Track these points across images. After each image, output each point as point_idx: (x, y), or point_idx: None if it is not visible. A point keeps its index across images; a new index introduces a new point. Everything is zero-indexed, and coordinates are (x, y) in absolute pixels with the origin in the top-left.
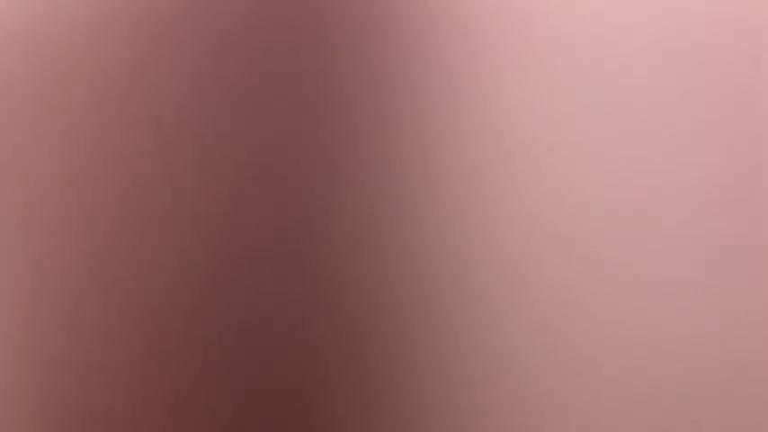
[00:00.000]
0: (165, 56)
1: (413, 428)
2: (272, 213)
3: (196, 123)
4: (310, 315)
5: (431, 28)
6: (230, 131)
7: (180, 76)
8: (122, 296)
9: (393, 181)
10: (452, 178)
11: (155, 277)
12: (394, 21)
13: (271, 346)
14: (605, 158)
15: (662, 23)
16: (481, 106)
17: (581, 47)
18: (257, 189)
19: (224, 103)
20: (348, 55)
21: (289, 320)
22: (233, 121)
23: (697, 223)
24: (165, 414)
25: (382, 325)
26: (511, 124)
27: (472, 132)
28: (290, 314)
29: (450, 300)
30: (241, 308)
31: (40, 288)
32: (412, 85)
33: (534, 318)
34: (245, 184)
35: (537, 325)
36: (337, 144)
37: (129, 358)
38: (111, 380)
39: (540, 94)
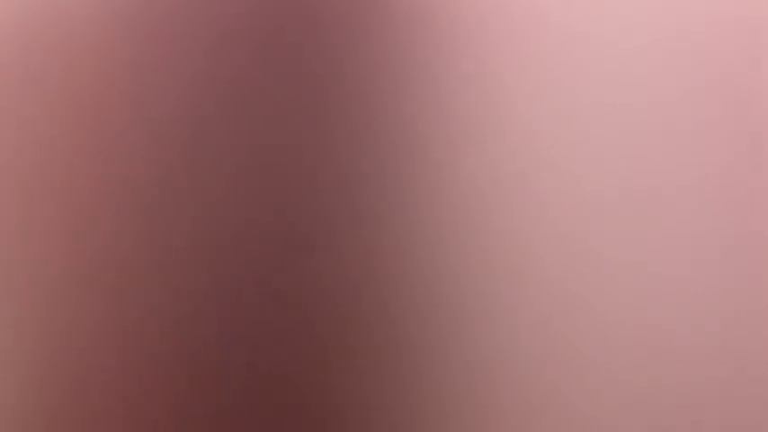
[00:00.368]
0: (164, 55)
1: (413, 428)
2: (272, 213)
3: (197, 123)
4: (311, 315)
5: (431, 27)
6: (231, 131)
7: (180, 76)
8: (122, 296)
9: (393, 180)
10: (453, 178)
11: (154, 277)
12: (394, 21)
13: (271, 346)
14: (606, 158)
15: (662, 23)
16: (483, 106)
17: (581, 47)
18: (258, 189)
19: (224, 104)
20: (349, 54)
21: (289, 321)
22: (233, 121)
23: (697, 223)
24: (164, 414)
25: (383, 325)
26: (512, 124)
27: (473, 132)
28: (290, 314)
29: (450, 299)
30: (241, 308)
31: (39, 288)
32: (413, 84)
33: (535, 317)
34: (246, 185)
35: (537, 324)
36: (338, 144)
37: (129, 358)
38: (111, 380)
39: (541, 94)
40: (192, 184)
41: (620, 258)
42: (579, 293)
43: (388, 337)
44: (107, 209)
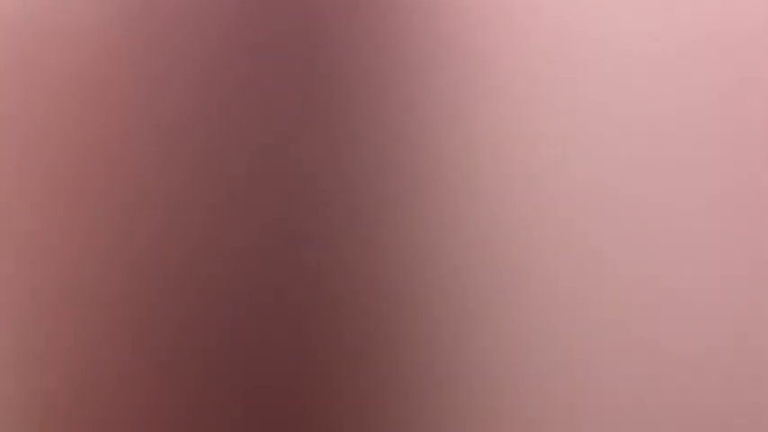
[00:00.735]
0: (167, 55)
1: (413, 428)
2: (274, 213)
3: (198, 123)
4: (312, 316)
5: (433, 26)
6: (231, 131)
7: (181, 76)
8: (123, 296)
9: (394, 179)
10: (453, 178)
11: (156, 277)
12: (395, 19)
13: (272, 347)
14: (609, 157)
15: (663, 23)
16: (485, 105)
17: (585, 46)
18: (259, 188)
19: (225, 104)
20: (350, 53)
21: (290, 321)
22: (234, 121)
23: (698, 223)
24: (166, 415)
25: (384, 325)
26: (513, 123)
27: (473, 132)
28: (291, 315)
29: (451, 299)
30: (242, 309)
31: (39, 288)
32: (414, 83)
33: (536, 317)
34: (247, 184)
35: (538, 324)
36: (339, 143)
37: (131, 359)
38: (114, 381)
39: (543, 94)
40: (194, 183)
41: (623, 257)
42: (581, 293)
43: (388, 338)
44: (107, 209)
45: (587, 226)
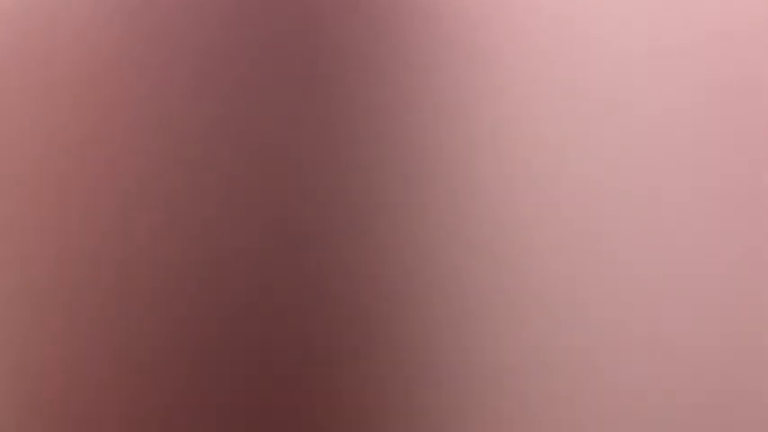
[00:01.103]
0: (166, 54)
1: (414, 428)
2: (273, 214)
3: (197, 123)
4: (312, 316)
5: (434, 24)
6: (231, 131)
7: (181, 75)
8: (121, 296)
9: (394, 179)
10: (454, 177)
11: (154, 277)
12: (395, 20)
13: (271, 347)
14: (610, 156)
15: (662, 23)
16: (485, 104)
17: (586, 45)
18: (258, 188)
19: (225, 103)
20: (350, 54)
21: (290, 321)
22: (234, 120)
23: (698, 222)
24: (165, 415)
25: (384, 325)
26: (515, 123)
27: (474, 131)
28: (291, 315)
29: (452, 299)
30: (241, 309)
31: (39, 288)
32: (415, 82)
33: (536, 317)
34: (246, 184)
35: (539, 324)
36: (339, 142)
37: (129, 359)
38: (111, 380)
39: (544, 93)
40: (193, 183)
41: (623, 257)
42: (581, 293)
43: (388, 338)
44: (107, 209)
45: (587, 226)
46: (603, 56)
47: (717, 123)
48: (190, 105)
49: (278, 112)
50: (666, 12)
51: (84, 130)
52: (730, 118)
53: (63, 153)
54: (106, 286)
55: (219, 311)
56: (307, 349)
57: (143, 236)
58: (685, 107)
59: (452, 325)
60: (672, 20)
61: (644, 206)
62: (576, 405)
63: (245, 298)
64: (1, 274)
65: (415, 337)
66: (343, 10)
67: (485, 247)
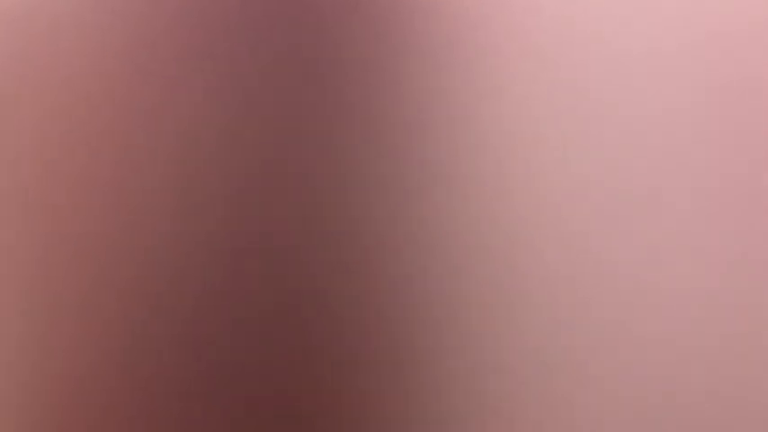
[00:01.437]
0: (169, 55)
1: (413, 428)
2: (273, 214)
3: (198, 122)
4: (312, 316)
5: (434, 24)
6: (231, 130)
7: (182, 76)
8: (124, 296)
9: (394, 179)
10: (454, 177)
11: (157, 277)
12: (396, 20)
13: (272, 347)
14: (609, 156)
15: (662, 23)
16: (485, 104)
17: (586, 45)
18: (259, 189)
19: (225, 103)
20: (350, 54)
21: (290, 321)
22: (235, 120)
23: (698, 222)
24: (166, 413)
25: (384, 325)
26: (514, 123)
27: (474, 130)
28: (291, 315)
29: (452, 300)
30: (242, 309)
31: (39, 289)
32: (415, 81)
33: (536, 317)
34: (247, 185)
35: (539, 324)
36: (338, 142)
37: (130, 358)
38: (112, 380)
39: (544, 93)
40: (195, 183)
41: (623, 257)
42: (581, 293)
43: (388, 338)
44: (107, 210)
45: (587, 226)
46: (604, 56)
47: (717, 123)
48: (191, 106)
49: (278, 113)
50: (666, 12)
51: (88, 131)
52: (730, 118)
53: (69, 155)
54: (108, 286)
55: (221, 312)
56: (307, 349)
57: (146, 236)
58: (685, 107)
59: (452, 325)
60: (672, 20)
61: (644, 206)
62: (576, 405)
63: (246, 298)
64: (8, 277)
65: (415, 337)
66: (343, 10)
67: (485, 247)
